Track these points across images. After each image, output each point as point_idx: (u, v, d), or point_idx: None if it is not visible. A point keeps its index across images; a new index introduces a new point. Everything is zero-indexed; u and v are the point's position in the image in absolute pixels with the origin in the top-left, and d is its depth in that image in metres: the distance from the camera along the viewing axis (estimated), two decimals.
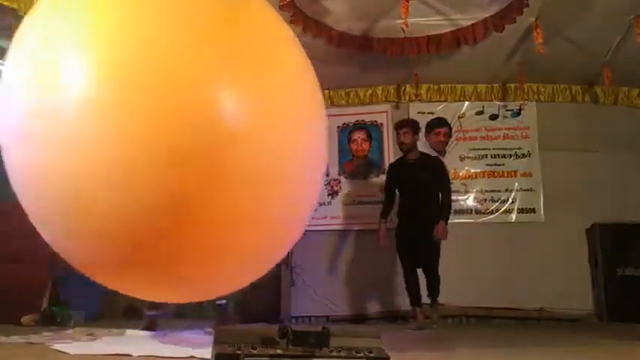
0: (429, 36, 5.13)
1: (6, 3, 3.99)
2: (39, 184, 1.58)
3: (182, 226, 1.53)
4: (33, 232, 5.64)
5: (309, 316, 6.00)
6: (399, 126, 4.97)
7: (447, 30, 5.11)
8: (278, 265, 5.47)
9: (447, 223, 4.75)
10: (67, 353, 2.37)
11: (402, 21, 4.34)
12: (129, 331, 3.38)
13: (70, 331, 3.56)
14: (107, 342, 2.92)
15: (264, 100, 1.61)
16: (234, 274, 1.86)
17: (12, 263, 5.33)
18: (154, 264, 1.63)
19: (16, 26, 5.29)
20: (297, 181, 1.78)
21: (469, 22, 4.99)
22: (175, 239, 1.56)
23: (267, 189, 1.63)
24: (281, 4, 4.26)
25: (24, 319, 4.79)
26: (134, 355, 2.25)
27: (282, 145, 1.65)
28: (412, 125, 4.94)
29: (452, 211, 5.00)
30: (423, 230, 4.70)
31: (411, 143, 4.86)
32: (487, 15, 4.88)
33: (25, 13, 4.11)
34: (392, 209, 5.06)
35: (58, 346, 2.60)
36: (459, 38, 5.07)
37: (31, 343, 2.83)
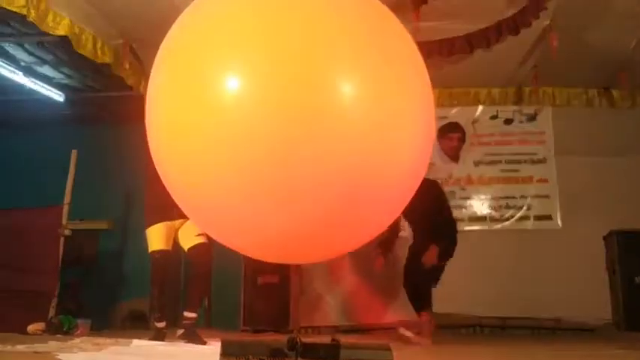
0: (441, 40, 5.06)
1: (15, 9, 3.99)
2: None
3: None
4: (39, 241, 5.66)
5: (319, 327, 5.92)
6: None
7: (460, 34, 5.04)
8: (287, 273, 5.50)
9: (442, 250, 4.38)
10: None
11: (413, 25, 4.28)
12: (136, 341, 3.33)
13: (76, 341, 3.52)
14: (113, 352, 2.87)
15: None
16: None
17: (19, 272, 5.34)
18: None
19: (24, 32, 5.34)
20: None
21: (483, 26, 4.91)
22: None
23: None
24: None
25: (30, 328, 4.78)
26: None
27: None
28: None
29: (455, 238, 4.60)
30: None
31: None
32: (502, 18, 4.81)
33: (34, 20, 4.20)
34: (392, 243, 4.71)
35: (63, 356, 2.56)
36: (472, 42, 4.99)
37: (37, 352, 2.81)
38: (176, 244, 4.01)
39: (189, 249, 3.89)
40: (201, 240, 3.81)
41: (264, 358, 1.62)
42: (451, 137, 6.18)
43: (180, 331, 3.88)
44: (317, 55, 1.47)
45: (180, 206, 1.81)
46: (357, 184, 1.52)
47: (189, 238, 3.87)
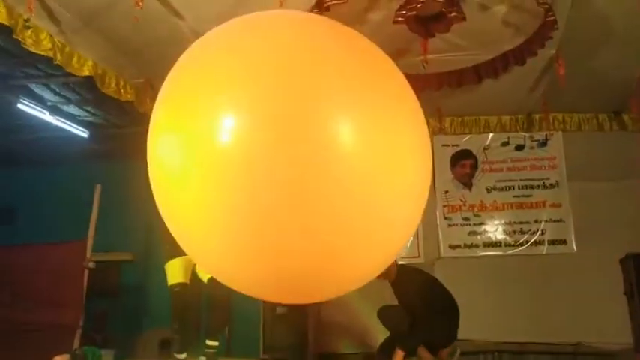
0: (450, 71, 5.19)
1: (42, 53, 4.22)
2: None
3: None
4: (64, 273, 5.79)
5: (338, 353, 5.95)
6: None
7: (469, 64, 5.16)
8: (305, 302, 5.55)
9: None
10: None
11: (422, 58, 4.42)
12: None
13: None
14: None
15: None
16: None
17: (45, 305, 5.47)
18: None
19: (51, 74, 5.59)
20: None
21: (490, 56, 5.03)
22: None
23: None
24: None
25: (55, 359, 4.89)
26: None
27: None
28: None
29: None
30: None
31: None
32: (508, 48, 4.92)
33: (60, 62, 4.43)
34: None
35: None
36: (480, 72, 5.11)
37: None
38: (194, 276, 4.13)
39: (209, 280, 4.01)
40: None
41: None
42: (463, 164, 6.29)
43: (203, 359, 3.99)
44: (312, 99, 1.46)
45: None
46: (352, 225, 1.51)
47: None
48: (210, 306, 4.70)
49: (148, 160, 1.71)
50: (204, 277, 4.04)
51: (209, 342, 4.04)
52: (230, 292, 4.06)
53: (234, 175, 1.43)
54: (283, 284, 1.64)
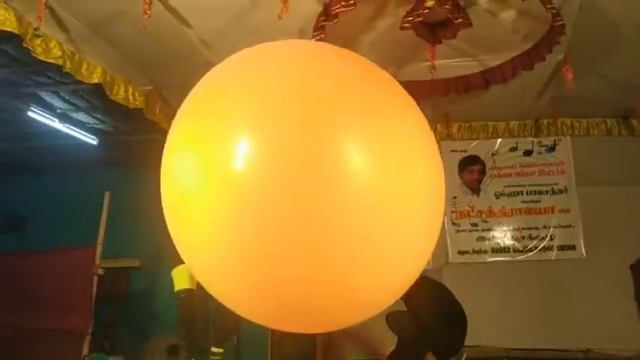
0: (457, 77, 5.20)
1: (51, 61, 4.26)
2: None
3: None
4: (74, 280, 5.83)
5: None
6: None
7: (476, 70, 5.16)
8: None
9: None
10: None
11: (429, 63, 4.43)
12: None
13: None
14: None
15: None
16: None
17: (54, 311, 5.51)
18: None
19: (60, 81, 5.63)
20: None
21: (497, 62, 5.02)
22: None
23: None
24: None
25: None
26: None
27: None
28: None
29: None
30: None
31: None
32: (515, 54, 4.91)
33: (69, 70, 4.47)
34: None
35: None
36: (487, 78, 5.11)
37: None
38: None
39: None
40: None
41: None
42: (471, 170, 6.28)
43: None
44: (327, 127, 1.45)
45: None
46: (366, 253, 1.48)
47: None
48: (217, 313, 4.72)
49: (162, 178, 1.72)
50: None
51: (214, 349, 4.04)
52: None
53: (245, 198, 1.42)
54: (292, 313, 1.62)
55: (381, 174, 1.49)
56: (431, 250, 1.79)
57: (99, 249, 5.63)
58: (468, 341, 4.70)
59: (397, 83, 1.80)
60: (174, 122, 1.72)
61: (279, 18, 3.77)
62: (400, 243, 1.57)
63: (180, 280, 4.06)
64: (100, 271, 5.58)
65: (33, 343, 5.35)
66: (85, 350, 5.28)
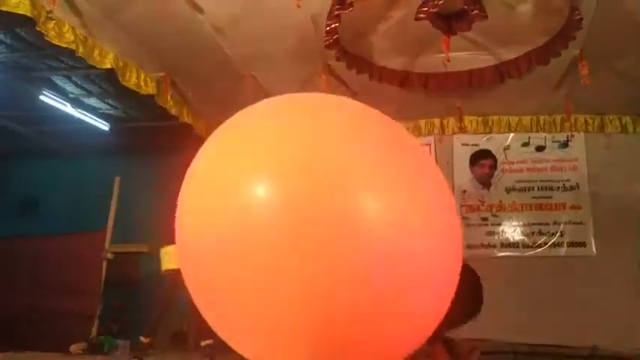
0: (471, 70, 5.15)
1: (64, 45, 4.26)
2: None
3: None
4: (83, 264, 5.87)
5: None
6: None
7: (490, 64, 5.11)
8: None
9: None
10: None
11: (443, 55, 4.39)
12: None
13: None
14: None
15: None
16: None
17: (63, 294, 5.56)
18: None
19: (73, 66, 5.63)
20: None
21: (513, 56, 4.97)
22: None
23: None
24: (327, 43, 4.36)
25: (72, 348, 4.97)
26: None
27: None
28: None
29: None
30: None
31: None
32: (531, 48, 4.86)
33: (82, 55, 4.47)
34: None
35: None
36: (502, 72, 5.05)
37: None
38: None
39: None
40: None
41: None
42: (483, 164, 6.23)
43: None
44: (342, 178, 1.47)
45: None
46: (381, 304, 1.48)
47: None
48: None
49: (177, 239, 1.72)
50: None
51: (203, 343, 4.08)
52: None
53: (261, 248, 1.43)
54: None
55: (398, 223, 1.48)
56: (453, 288, 1.77)
57: (108, 234, 5.66)
58: (474, 335, 4.72)
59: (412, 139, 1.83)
60: (186, 180, 1.73)
61: (298, 6, 3.76)
62: (419, 284, 1.55)
63: (169, 261, 4.09)
64: (109, 256, 5.62)
65: (43, 324, 5.41)
66: (94, 332, 5.33)
